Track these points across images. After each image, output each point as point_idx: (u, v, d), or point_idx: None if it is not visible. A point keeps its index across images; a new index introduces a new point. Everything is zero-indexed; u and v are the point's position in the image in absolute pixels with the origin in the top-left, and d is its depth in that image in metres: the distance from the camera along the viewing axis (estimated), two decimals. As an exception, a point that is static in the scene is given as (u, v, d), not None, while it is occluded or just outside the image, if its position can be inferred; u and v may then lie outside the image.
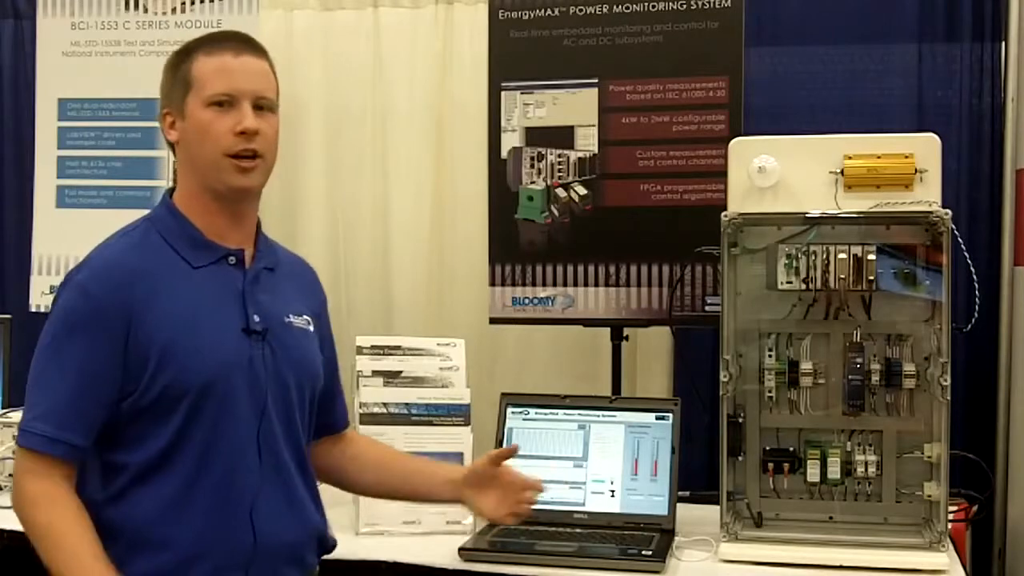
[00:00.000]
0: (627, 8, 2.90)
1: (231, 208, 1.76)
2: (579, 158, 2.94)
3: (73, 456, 1.67)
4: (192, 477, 1.67)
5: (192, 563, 1.67)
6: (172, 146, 1.80)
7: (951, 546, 2.27)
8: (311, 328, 1.85)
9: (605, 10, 2.90)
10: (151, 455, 1.67)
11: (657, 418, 2.54)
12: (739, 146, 2.38)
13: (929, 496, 2.32)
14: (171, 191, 1.82)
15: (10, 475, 2.77)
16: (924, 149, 2.29)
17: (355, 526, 2.41)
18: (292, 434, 1.79)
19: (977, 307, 2.51)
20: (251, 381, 1.72)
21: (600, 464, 2.53)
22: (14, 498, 1.68)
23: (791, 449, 2.41)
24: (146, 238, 1.76)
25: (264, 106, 1.74)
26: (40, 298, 3.38)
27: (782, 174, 2.30)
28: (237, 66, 1.72)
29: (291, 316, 1.81)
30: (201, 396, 1.67)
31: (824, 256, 2.28)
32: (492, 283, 3.00)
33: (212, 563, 1.68)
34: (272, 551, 1.74)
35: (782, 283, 2.31)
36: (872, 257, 2.27)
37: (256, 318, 1.74)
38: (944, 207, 2.25)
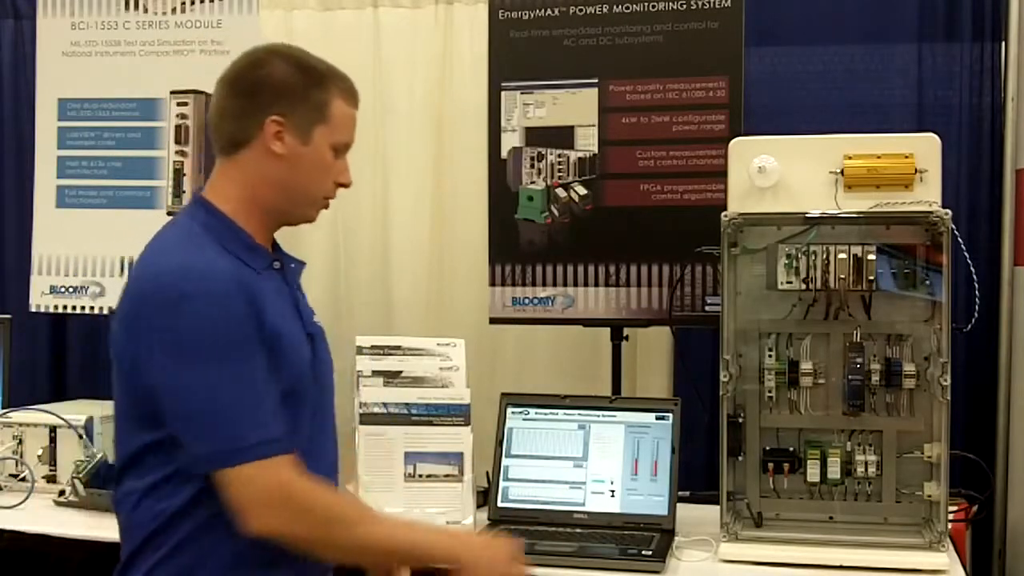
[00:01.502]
0: (627, 8, 2.90)
1: (276, 228, 1.80)
2: (579, 158, 2.94)
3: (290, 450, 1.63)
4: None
5: (244, 558, 1.66)
6: (234, 147, 1.72)
7: (951, 546, 2.27)
8: None
9: (605, 10, 2.90)
10: None
11: (657, 418, 2.54)
12: (739, 146, 2.38)
13: (929, 496, 2.32)
14: (201, 193, 1.76)
15: (11, 475, 2.78)
16: (924, 149, 2.29)
17: (355, 526, 2.41)
18: (333, 437, 1.83)
19: (977, 307, 2.51)
20: (316, 379, 1.76)
21: (600, 464, 2.53)
22: (300, 516, 1.60)
23: (791, 449, 2.41)
24: (214, 247, 1.68)
25: None
26: (40, 298, 3.38)
27: (782, 174, 2.30)
28: (355, 121, 1.79)
29: (315, 316, 1.85)
30: (306, 390, 1.71)
31: (824, 256, 2.28)
32: (492, 283, 3.00)
33: (268, 557, 1.67)
34: None
35: (782, 283, 2.31)
36: (872, 257, 2.27)
37: (305, 320, 1.77)
38: (944, 207, 2.25)
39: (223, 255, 1.67)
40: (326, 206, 1.80)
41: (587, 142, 2.93)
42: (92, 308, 3.34)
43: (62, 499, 2.65)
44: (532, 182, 2.96)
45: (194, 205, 1.75)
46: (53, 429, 2.80)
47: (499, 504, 2.53)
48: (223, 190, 1.73)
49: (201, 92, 3.26)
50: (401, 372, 2.60)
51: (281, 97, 1.70)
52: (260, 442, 1.59)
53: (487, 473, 2.61)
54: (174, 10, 3.33)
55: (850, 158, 2.29)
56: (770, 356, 2.39)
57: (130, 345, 1.63)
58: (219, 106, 1.74)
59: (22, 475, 2.76)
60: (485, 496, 2.60)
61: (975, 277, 2.49)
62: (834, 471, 2.36)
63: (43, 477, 2.77)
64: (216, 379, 1.58)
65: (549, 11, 2.94)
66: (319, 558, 1.69)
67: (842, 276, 2.28)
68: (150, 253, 1.69)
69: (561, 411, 2.60)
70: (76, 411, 2.83)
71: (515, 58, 2.97)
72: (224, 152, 1.74)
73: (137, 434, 1.66)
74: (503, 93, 2.98)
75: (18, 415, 2.84)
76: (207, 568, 1.65)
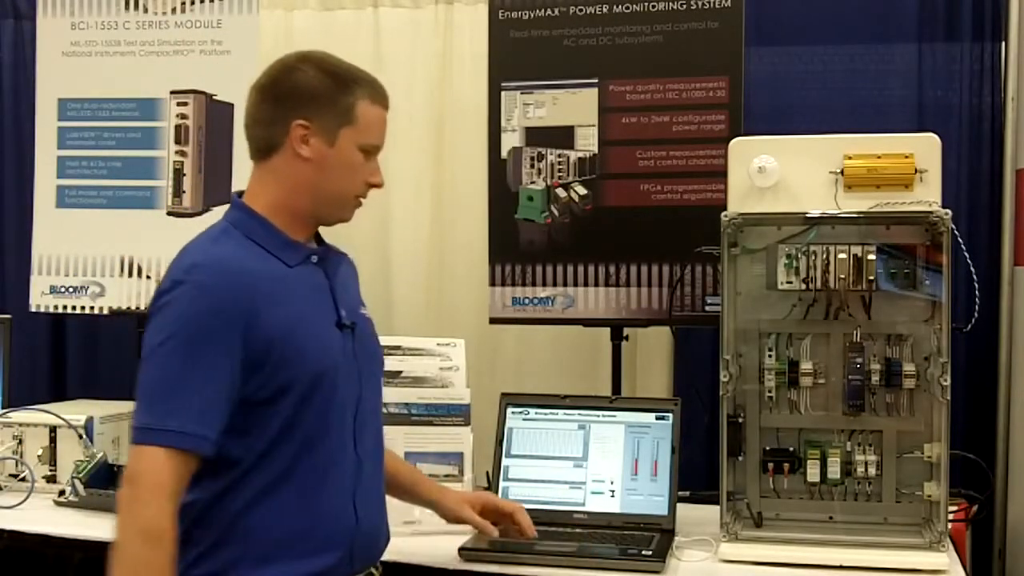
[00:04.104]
0: (627, 8, 2.90)
1: (313, 226, 1.86)
2: (579, 158, 2.94)
3: (210, 452, 1.67)
4: (292, 466, 1.72)
5: (288, 545, 1.71)
6: (265, 152, 1.80)
7: (951, 546, 2.27)
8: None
9: (605, 10, 2.91)
10: (260, 447, 1.70)
11: (657, 418, 2.54)
12: (739, 146, 2.38)
13: (929, 496, 2.32)
14: (240, 194, 1.84)
15: (11, 475, 2.78)
16: (924, 149, 2.29)
17: (355, 526, 2.41)
18: (377, 421, 1.90)
19: (977, 307, 2.51)
20: (347, 374, 1.80)
21: (600, 464, 2.53)
22: (134, 510, 1.63)
23: (791, 449, 2.41)
24: (241, 242, 1.77)
25: None
26: (40, 298, 3.38)
27: (782, 174, 2.30)
28: (385, 122, 1.86)
29: (362, 308, 1.92)
30: (309, 391, 1.73)
31: (824, 256, 2.28)
32: (492, 283, 3.00)
33: (311, 544, 1.73)
34: (369, 535, 1.83)
35: (782, 283, 2.31)
36: (872, 257, 2.27)
37: (344, 313, 1.82)
38: (944, 207, 2.24)
39: (246, 248, 1.75)
40: (359, 205, 1.86)
41: (587, 142, 2.93)
42: (92, 308, 3.34)
43: (62, 499, 2.65)
44: (532, 182, 2.96)
45: (231, 207, 1.83)
46: (53, 429, 2.80)
47: (499, 504, 2.53)
48: (258, 194, 1.81)
49: (201, 92, 3.27)
50: (401, 372, 2.60)
51: (308, 102, 1.77)
52: (180, 432, 1.63)
53: (487, 473, 2.61)
54: (174, 10, 3.33)
55: (850, 158, 2.29)
56: (770, 356, 2.39)
57: (144, 334, 1.71)
58: (251, 112, 1.82)
59: (22, 475, 2.76)
60: (485, 496, 2.60)
61: (975, 277, 2.49)
62: (834, 471, 2.36)
63: (43, 477, 2.77)
64: (167, 364, 1.65)
65: (549, 11, 2.94)
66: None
67: (842, 276, 2.28)
68: (179, 252, 1.77)
69: (561, 411, 2.60)
70: (76, 411, 2.84)
71: (515, 58, 2.98)
72: (257, 157, 1.82)
73: None
74: (503, 93, 2.98)
75: (18, 415, 2.84)
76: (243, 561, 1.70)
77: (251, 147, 1.82)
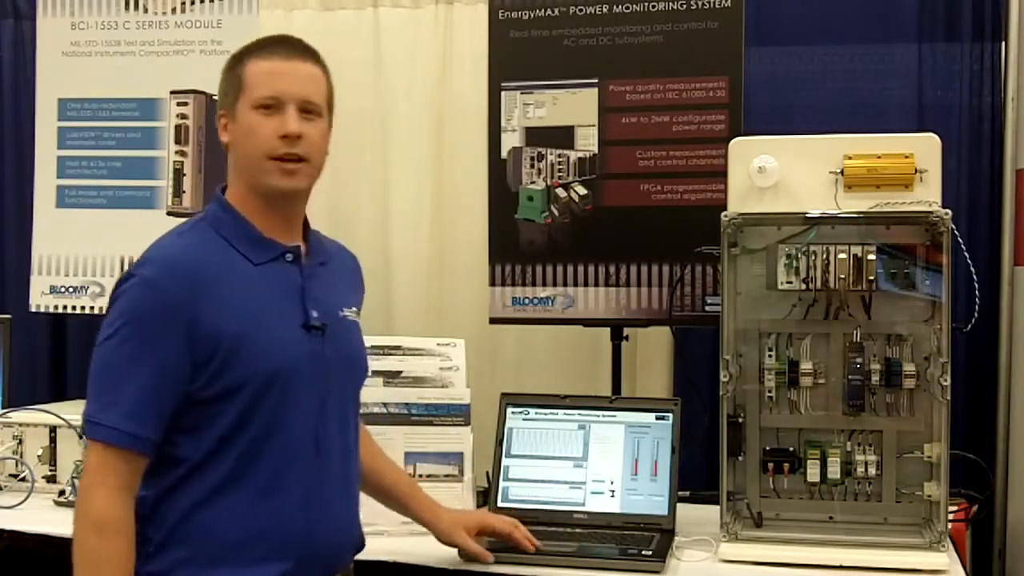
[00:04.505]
0: (627, 8, 2.90)
1: (280, 209, 1.81)
2: (579, 158, 2.94)
3: (150, 451, 1.68)
4: (240, 468, 1.70)
5: (235, 551, 1.70)
6: (227, 148, 1.83)
7: (951, 546, 2.27)
8: (359, 320, 1.92)
9: (605, 10, 2.90)
10: (206, 446, 1.69)
11: (657, 418, 2.54)
12: (739, 146, 2.38)
13: (929, 496, 2.32)
14: (222, 189, 1.84)
15: (11, 475, 2.78)
16: (924, 149, 2.29)
17: (355, 526, 2.41)
18: (344, 431, 1.85)
19: (977, 307, 2.51)
20: (311, 377, 1.76)
21: (600, 464, 2.53)
22: (81, 502, 1.67)
23: (791, 449, 2.41)
24: (206, 236, 1.77)
25: (312, 110, 1.79)
26: (40, 298, 3.38)
27: (782, 174, 2.30)
28: (286, 70, 1.77)
29: (344, 309, 1.87)
30: (260, 391, 1.70)
31: (824, 256, 2.28)
32: (492, 283, 3.00)
33: (258, 551, 1.71)
34: (322, 544, 1.78)
35: (782, 283, 2.31)
36: (872, 257, 2.27)
37: (315, 314, 1.78)
38: (944, 207, 2.24)
39: (211, 242, 1.75)
40: (286, 170, 1.76)
41: (587, 142, 2.93)
42: (92, 308, 3.34)
43: (62, 499, 2.65)
44: (532, 182, 2.96)
45: (212, 200, 1.84)
46: (53, 429, 2.80)
47: (499, 504, 2.53)
48: (231, 185, 1.83)
49: (201, 92, 3.27)
50: (401, 372, 2.60)
51: (220, 94, 1.83)
52: (119, 430, 1.64)
53: (487, 473, 2.61)
54: (174, 10, 3.33)
55: (850, 158, 2.29)
56: (770, 356, 2.39)
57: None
58: None
59: (22, 475, 2.76)
60: (485, 496, 2.60)
61: (975, 277, 2.49)
62: (834, 471, 2.36)
63: (43, 477, 2.77)
64: (111, 358, 1.67)
65: (549, 11, 2.94)
66: None
67: (842, 276, 2.28)
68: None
69: (561, 411, 2.60)
70: (76, 411, 2.79)
71: (515, 58, 2.98)
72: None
73: None
74: (503, 93, 2.98)
75: (18, 415, 2.83)
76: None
77: None
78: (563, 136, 2.94)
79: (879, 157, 2.28)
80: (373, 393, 2.54)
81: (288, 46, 1.81)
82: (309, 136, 1.77)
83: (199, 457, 1.70)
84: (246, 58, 1.79)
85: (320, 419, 1.78)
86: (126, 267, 3.25)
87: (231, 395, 1.69)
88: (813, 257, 2.29)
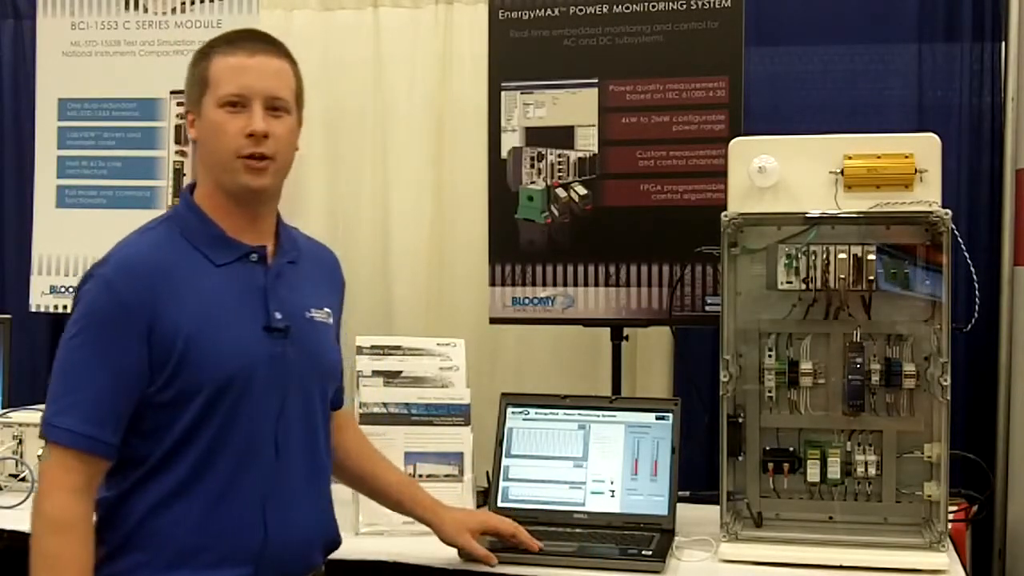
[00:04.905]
0: (627, 8, 2.90)
1: (248, 208, 1.78)
2: (579, 158, 2.94)
3: (109, 454, 1.67)
4: (196, 471, 1.69)
5: (191, 555, 1.68)
6: (195, 144, 1.83)
7: (951, 546, 2.27)
8: (331, 321, 1.88)
9: (605, 10, 2.90)
10: (163, 449, 1.68)
11: (657, 418, 2.54)
12: (739, 146, 2.38)
13: (929, 496, 2.32)
14: (191, 188, 1.83)
15: (11, 475, 2.78)
16: (924, 149, 2.29)
17: (355, 526, 2.41)
18: (310, 432, 1.81)
19: (977, 307, 2.51)
20: (271, 379, 1.73)
21: (600, 464, 2.53)
22: (38, 503, 1.67)
23: (791, 449, 2.41)
24: (168, 235, 1.76)
25: (279, 107, 1.75)
26: (40, 298, 3.38)
27: (782, 174, 2.30)
28: (252, 65, 1.74)
29: (313, 311, 1.83)
30: (218, 392, 1.68)
31: (824, 256, 2.28)
32: (492, 283, 3.00)
33: (214, 555, 1.69)
34: (283, 548, 1.76)
35: (782, 283, 2.31)
36: (872, 257, 2.27)
37: (278, 315, 1.75)
38: (944, 207, 2.24)
39: (171, 242, 1.74)
40: (254, 168, 1.73)
41: (587, 142, 2.93)
42: (92, 308, 3.33)
43: (62, 499, 2.65)
44: (532, 182, 2.96)
45: (180, 197, 1.84)
46: (53, 429, 2.80)
47: (499, 504, 2.53)
48: (199, 182, 1.82)
49: (201, 92, 3.26)
50: (401, 372, 2.60)
51: (186, 90, 1.83)
52: (75, 432, 1.64)
53: (487, 473, 2.61)
54: (174, 10, 3.33)
55: (850, 158, 2.29)
56: (770, 356, 2.39)
57: None
58: None
59: (22, 475, 2.76)
60: (485, 496, 2.60)
61: (975, 277, 2.49)
62: (834, 471, 2.36)
63: (43, 477, 2.77)
64: (70, 358, 1.68)
65: (549, 11, 2.94)
66: None
67: (842, 276, 2.28)
68: None
69: (561, 411, 2.60)
70: (76, 411, 2.83)
71: (515, 58, 2.98)
72: None
73: None
74: (503, 93, 2.98)
75: (18, 415, 2.83)
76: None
77: None
78: (563, 136, 2.94)
79: (879, 157, 2.28)
80: (373, 393, 2.54)
81: (253, 40, 1.78)
82: (276, 134, 1.74)
83: (156, 460, 1.68)
84: (211, 53, 1.77)
85: (281, 421, 1.75)
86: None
87: (188, 398, 1.67)
88: (813, 257, 2.29)
